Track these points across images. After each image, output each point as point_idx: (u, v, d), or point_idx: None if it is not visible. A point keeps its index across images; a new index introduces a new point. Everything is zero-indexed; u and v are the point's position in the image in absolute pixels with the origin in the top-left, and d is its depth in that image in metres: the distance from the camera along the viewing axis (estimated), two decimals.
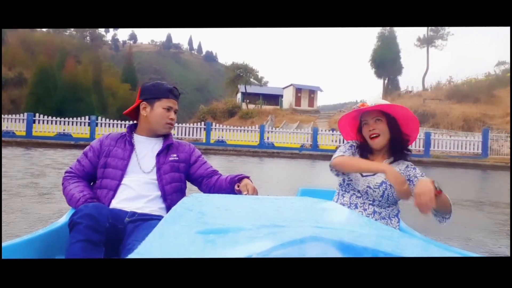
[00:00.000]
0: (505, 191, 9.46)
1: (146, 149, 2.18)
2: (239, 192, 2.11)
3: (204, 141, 21.39)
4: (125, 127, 20.96)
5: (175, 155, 2.21)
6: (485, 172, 15.71)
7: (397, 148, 2.11)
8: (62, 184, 2.14)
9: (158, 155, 2.16)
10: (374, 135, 2.08)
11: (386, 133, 2.08)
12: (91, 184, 2.19)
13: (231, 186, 2.17)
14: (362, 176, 2.10)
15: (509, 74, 34.58)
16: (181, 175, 2.21)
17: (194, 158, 2.30)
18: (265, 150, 20.53)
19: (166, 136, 2.26)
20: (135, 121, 2.31)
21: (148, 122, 2.18)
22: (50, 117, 20.84)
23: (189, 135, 21.75)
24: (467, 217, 5.71)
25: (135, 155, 2.14)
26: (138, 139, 2.20)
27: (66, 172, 2.18)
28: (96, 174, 2.14)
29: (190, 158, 2.29)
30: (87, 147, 2.22)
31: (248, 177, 2.20)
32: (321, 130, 23.04)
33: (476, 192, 8.44)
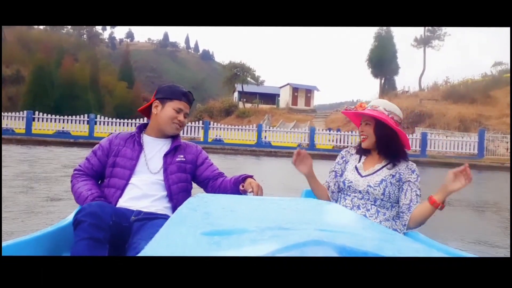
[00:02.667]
0: (501, 191, 9.54)
1: (154, 149, 2.20)
2: (244, 192, 2.14)
3: (202, 139, 21.36)
4: (123, 125, 21.05)
5: (182, 156, 2.23)
6: (481, 173, 15.79)
7: (387, 151, 2.18)
8: (71, 181, 2.17)
9: (166, 155, 2.19)
10: (363, 137, 2.21)
11: (371, 137, 2.18)
12: (99, 182, 2.22)
13: (236, 187, 2.19)
14: (362, 176, 2.16)
15: (506, 75, 34.71)
16: (187, 176, 2.24)
17: (201, 160, 2.33)
18: (262, 149, 20.57)
19: (174, 138, 2.28)
20: (139, 122, 2.35)
21: (157, 121, 2.21)
22: (49, 115, 20.79)
23: (186, 133, 21.69)
24: (465, 217, 5.76)
25: (144, 156, 2.17)
26: (146, 139, 2.23)
27: (75, 170, 2.20)
28: (105, 173, 2.16)
29: (197, 160, 2.31)
30: (96, 146, 2.25)
31: (251, 176, 2.23)
32: (318, 130, 23.11)
33: (472, 193, 8.50)
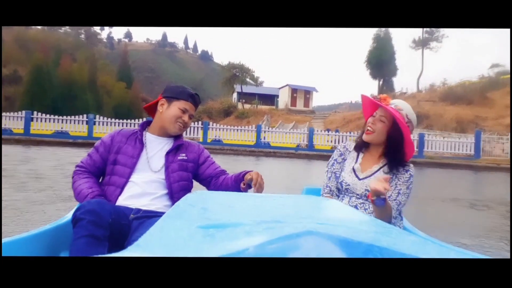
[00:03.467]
0: (498, 191, 9.59)
1: (156, 148, 2.19)
2: (245, 190, 2.13)
3: (201, 140, 21.33)
4: (122, 125, 20.99)
5: (184, 155, 2.23)
6: (477, 173, 15.88)
7: (391, 155, 2.12)
8: (72, 177, 2.15)
9: (168, 154, 2.18)
10: (369, 129, 2.11)
11: (381, 135, 2.09)
12: (100, 180, 2.20)
13: (237, 184, 2.18)
14: (359, 179, 2.13)
15: (503, 77, 34.80)
16: (189, 175, 2.23)
17: (203, 158, 2.32)
18: (261, 150, 20.61)
19: (177, 137, 2.28)
20: (138, 122, 2.35)
21: (161, 119, 2.21)
22: (47, 115, 20.70)
23: (185, 134, 21.57)
24: (462, 216, 5.81)
25: (145, 154, 2.15)
26: (149, 137, 2.22)
27: (76, 166, 2.18)
28: (106, 169, 2.15)
29: (199, 159, 2.31)
30: (98, 142, 2.23)
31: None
32: (317, 131, 23.17)
33: (469, 192, 8.56)
